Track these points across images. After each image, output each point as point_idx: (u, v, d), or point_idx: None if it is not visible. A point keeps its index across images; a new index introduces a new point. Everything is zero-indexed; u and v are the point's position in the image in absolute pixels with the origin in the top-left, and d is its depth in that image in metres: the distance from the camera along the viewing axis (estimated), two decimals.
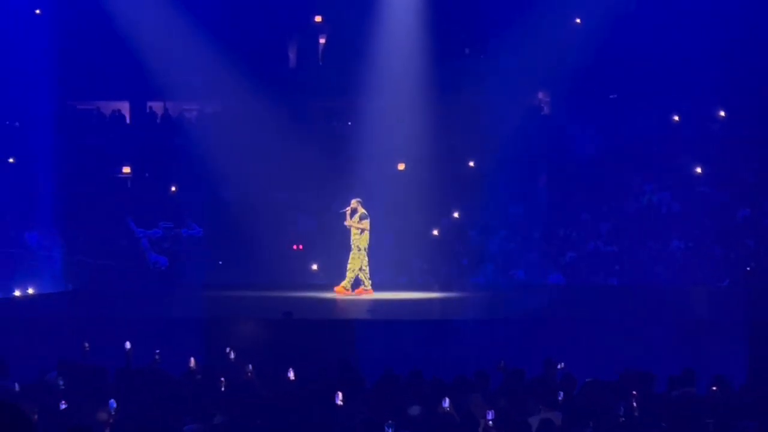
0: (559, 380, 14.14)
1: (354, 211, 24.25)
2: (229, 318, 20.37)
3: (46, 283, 29.07)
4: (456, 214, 31.64)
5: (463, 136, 31.96)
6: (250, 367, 13.97)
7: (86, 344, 15.66)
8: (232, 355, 15.55)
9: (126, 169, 32.89)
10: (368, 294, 24.43)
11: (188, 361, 14.86)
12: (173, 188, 31.83)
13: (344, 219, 24.39)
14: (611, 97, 33.49)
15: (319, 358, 16.75)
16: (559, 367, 14.87)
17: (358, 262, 24.25)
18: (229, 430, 10.68)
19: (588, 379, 13.58)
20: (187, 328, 18.70)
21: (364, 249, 24.22)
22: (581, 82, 32.22)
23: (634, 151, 31.78)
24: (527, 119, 33.07)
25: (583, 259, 30.49)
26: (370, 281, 24.45)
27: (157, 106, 34.96)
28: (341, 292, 24.50)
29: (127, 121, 34.87)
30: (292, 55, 33.72)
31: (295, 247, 31.06)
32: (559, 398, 12.62)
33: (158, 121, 34.70)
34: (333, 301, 24.36)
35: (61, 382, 12.89)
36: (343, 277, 24.58)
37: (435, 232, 31.28)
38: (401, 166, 32.52)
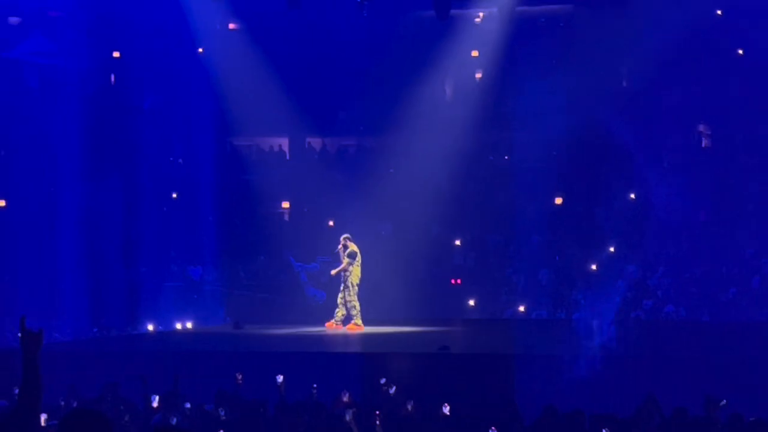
0: (723, 419, 13.78)
1: (344, 248, 24.56)
2: (386, 353, 20.40)
3: (208, 316, 29.60)
4: (612, 249, 31.16)
5: (621, 171, 31.58)
6: (412, 403, 13.92)
7: (239, 376, 15.85)
8: (392, 390, 15.56)
9: (285, 204, 33.32)
10: (359, 330, 24.47)
11: (342, 395, 14.97)
12: (331, 222, 32.12)
13: (339, 260, 24.72)
14: None
15: (477, 393, 16.69)
16: (721, 404, 14.49)
17: (350, 298, 24.48)
18: None
19: (753, 418, 13.21)
20: (345, 363, 18.82)
21: (356, 285, 24.48)
22: (743, 114, 31.61)
23: None
24: (688, 152, 32.53)
25: (746, 295, 29.72)
26: (360, 318, 24.58)
27: (315, 142, 35.43)
28: (332, 327, 24.73)
29: (287, 156, 35.39)
30: (448, 90, 33.81)
31: (453, 281, 31.06)
32: None
33: (317, 156, 35.14)
34: (489, 335, 24.26)
35: (222, 413, 13.06)
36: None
37: (593, 267, 30.88)
38: (559, 200, 32.29)
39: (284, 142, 35.54)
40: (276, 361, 18.75)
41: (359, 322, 24.62)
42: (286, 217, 33.63)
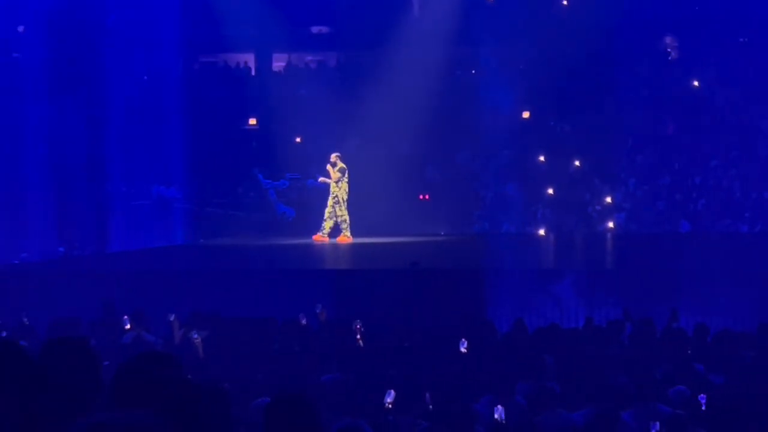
0: (690, 330, 13.95)
1: (333, 165, 25.92)
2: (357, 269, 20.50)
3: (176, 234, 29.57)
4: (577, 163, 31.23)
5: (588, 83, 31.57)
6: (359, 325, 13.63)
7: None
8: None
9: (252, 121, 33.15)
10: (348, 241, 25.88)
11: (318, 311, 14.96)
12: (298, 139, 32.04)
13: (328, 177, 26.07)
14: (741, 40, 32.74)
15: (449, 308, 16.82)
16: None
17: (341, 212, 25.87)
18: (363, 379, 10.79)
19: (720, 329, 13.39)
20: (316, 279, 18.88)
21: (344, 200, 25.86)
22: (710, 26, 31.57)
23: (765, 94, 30.99)
24: (654, 64, 32.53)
25: (712, 206, 29.94)
26: (349, 230, 26.03)
27: (281, 57, 35.20)
28: (319, 239, 26.05)
29: (252, 72, 35.15)
30: (416, 5, 33.56)
31: (421, 197, 31.16)
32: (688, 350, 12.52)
33: (283, 72, 34.94)
34: (458, 250, 24.38)
35: (195, 335, 12.80)
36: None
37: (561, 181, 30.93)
38: (526, 115, 32.29)
39: (250, 59, 35.28)
40: (249, 279, 18.86)
41: (348, 233, 26.01)
42: (254, 134, 33.45)
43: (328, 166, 25.99)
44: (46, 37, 29.37)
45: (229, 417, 5.11)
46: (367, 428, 8.08)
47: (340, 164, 25.91)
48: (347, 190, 25.92)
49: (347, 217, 26.00)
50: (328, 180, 26.02)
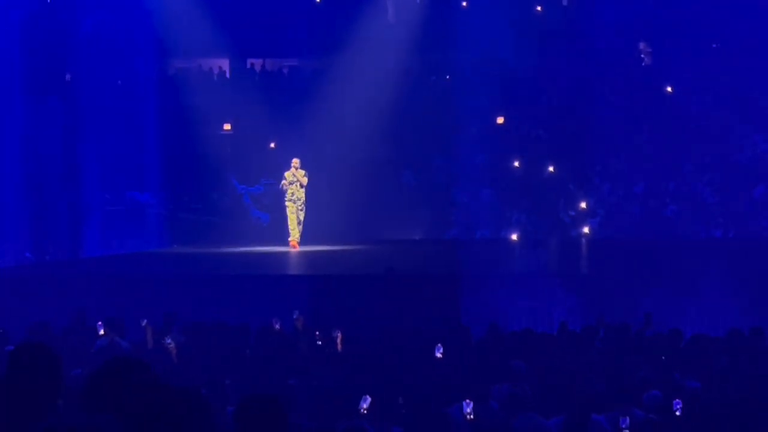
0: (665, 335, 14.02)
1: (297, 169, 25.74)
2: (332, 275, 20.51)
3: (151, 240, 29.47)
4: (551, 168, 31.28)
5: (562, 88, 31.67)
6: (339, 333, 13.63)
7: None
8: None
9: (227, 126, 33.04)
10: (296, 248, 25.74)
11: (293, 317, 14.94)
12: (272, 144, 31.98)
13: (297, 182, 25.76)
14: (714, 46, 32.89)
15: (424, 313, 16.85)
16: None
17: (303, 217, 25.74)
18: (339, 384, 10.79)
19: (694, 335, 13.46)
20: (291, 285, 18.88)
21: (304, 203, 25.75)
22: (683, 32, 31.71)
23: (740, 101, 31.15)
24: (628, 70, 32.65)
25: (686, 211, 30.06)
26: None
27: (256, 63, 35.17)
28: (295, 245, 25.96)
29: (227, 77, 35.08)
30: (391, 10, 33.57)
31: None
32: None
33: (257, 77, 34.88)
34: (433, 256, 24.40)
35: (168, 340, 12.75)
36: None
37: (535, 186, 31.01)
38: (500, 120, 32.35)
39: (224, 63, 35.19)
40: (227, 286, 18.83)
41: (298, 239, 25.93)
42: (229, 139, 33.36)
43: (294, 170, 25.80)
44: (21, 43, 29.24)
45: (210, 422, 5.10)
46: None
47: (301, 170, 25.88)
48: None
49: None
50: (286, 183, 25.81)
